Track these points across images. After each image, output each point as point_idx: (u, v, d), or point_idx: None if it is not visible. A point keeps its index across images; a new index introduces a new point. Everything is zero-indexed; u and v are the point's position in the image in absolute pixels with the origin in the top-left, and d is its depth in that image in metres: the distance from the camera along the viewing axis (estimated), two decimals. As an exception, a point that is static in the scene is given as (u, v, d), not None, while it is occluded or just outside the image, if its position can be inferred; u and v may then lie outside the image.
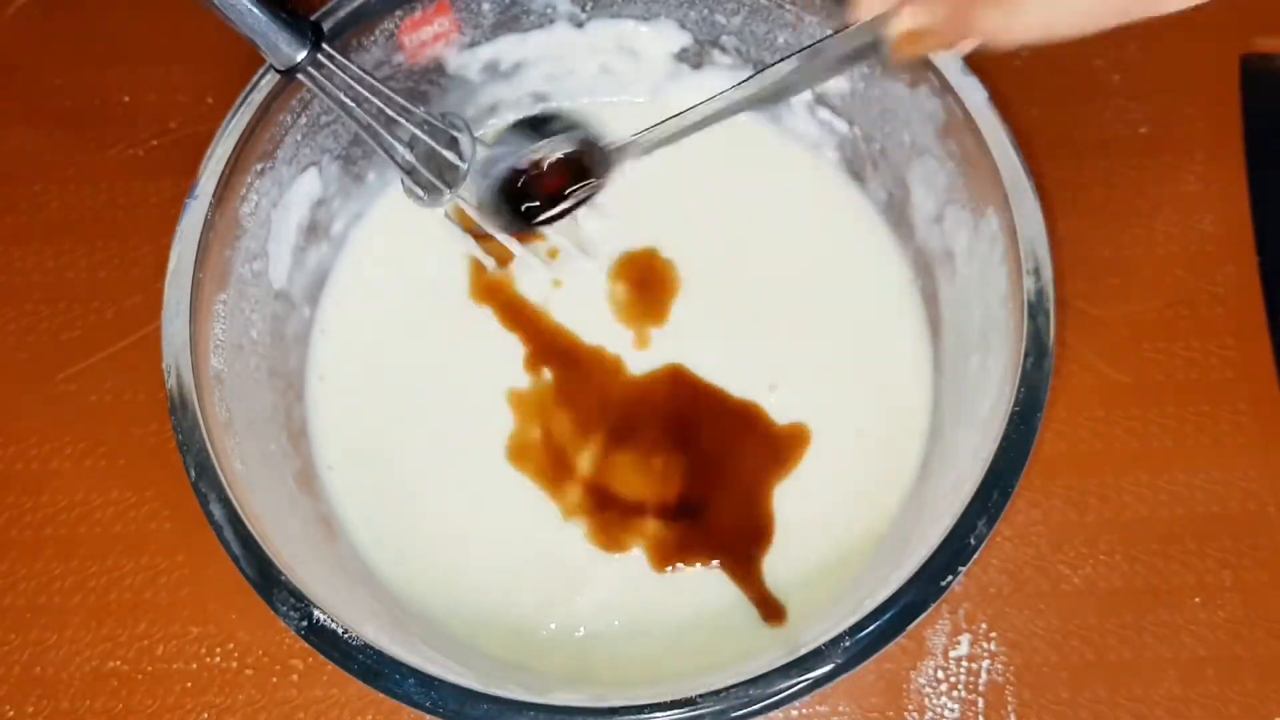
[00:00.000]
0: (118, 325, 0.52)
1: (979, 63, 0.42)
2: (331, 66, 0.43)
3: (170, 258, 0.42)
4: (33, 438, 0.51)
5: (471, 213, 0.48)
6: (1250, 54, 0.55)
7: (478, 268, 0.51)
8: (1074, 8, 0.34)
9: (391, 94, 0.45)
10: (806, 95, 0.49)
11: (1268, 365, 0.49)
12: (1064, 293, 0.50)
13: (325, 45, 0.42)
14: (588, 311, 0.50)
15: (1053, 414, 0.48)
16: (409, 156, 0.46)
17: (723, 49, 0.50)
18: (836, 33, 0.39)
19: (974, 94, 0.42)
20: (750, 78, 0.41)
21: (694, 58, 0.51)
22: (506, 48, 0.50)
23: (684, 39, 0.50)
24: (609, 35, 0.50)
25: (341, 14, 0.45)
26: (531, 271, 0.50)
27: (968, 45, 0.36)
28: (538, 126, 0.48)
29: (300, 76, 0.43)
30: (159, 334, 0.41)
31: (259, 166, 0.45)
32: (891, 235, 0.50)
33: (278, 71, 0.43)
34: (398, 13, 0.46)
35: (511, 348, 0.49)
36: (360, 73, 0.43)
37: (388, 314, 0.50)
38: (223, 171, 0.43)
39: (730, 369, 0.48)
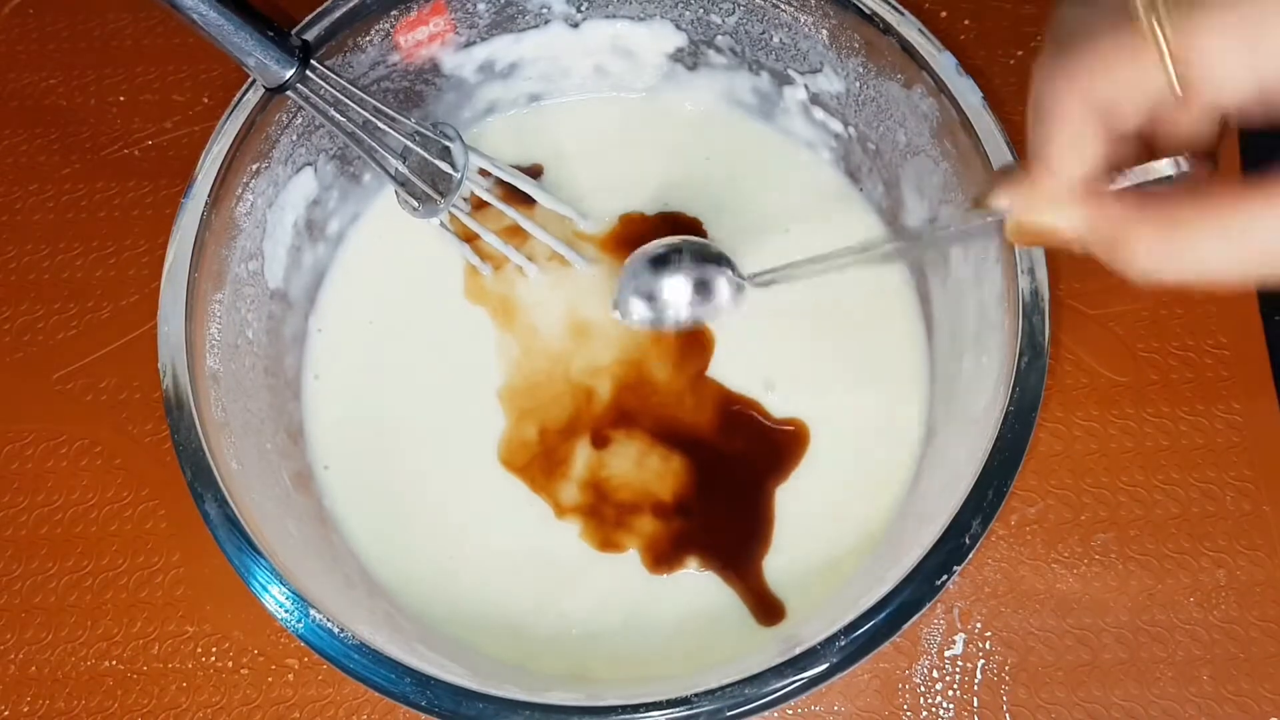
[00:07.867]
0: (114, 325, 0.52)
1: (973, 63, 0.42)
2: (320, 81, 0.43)
3: (166, 257, 0.42)
4: (29, 437, 0.51)
5: (465, 220, 0.48)
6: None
7: (472, 270, 0.51)
8: (1246, 255, 0.29)
9: (380, 105, 0.44)
10: (802, 94, 0.49)
11: (1262, 364, 0.49)
12: (1058, 292, 0.50)
13: (314, 61, 0.42)
14: (582, 312, 0.50)
15: (1047, 413, 0.48)
16: (402, 169, 0.46)
17: (718, 49, 0.50)
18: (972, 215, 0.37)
19: (969, 94, 0.42)
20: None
21: (689, 58, 0.51)
22: (502, 48, 0.50)
23: (679, 39, 0.50)
24: (604, 35, 0.50)
25: (337, 14, 0.45)
26: (525, 274, 0.50)
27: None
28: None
29: (290, 94, 0.42)
30: (155, 333, 0.41)
31: (255, 166, 0.45)
32: (887, 235, 0.50)
33: (266, 89, 0.43)
34: (393, 13, 0.46)
35: (506, 348, 0.49)
36: (349, 86, 0.43)
37: (384, 314, 0.50)
38: (219, 171, 0.43)
39: (728, 368, 0.48)
